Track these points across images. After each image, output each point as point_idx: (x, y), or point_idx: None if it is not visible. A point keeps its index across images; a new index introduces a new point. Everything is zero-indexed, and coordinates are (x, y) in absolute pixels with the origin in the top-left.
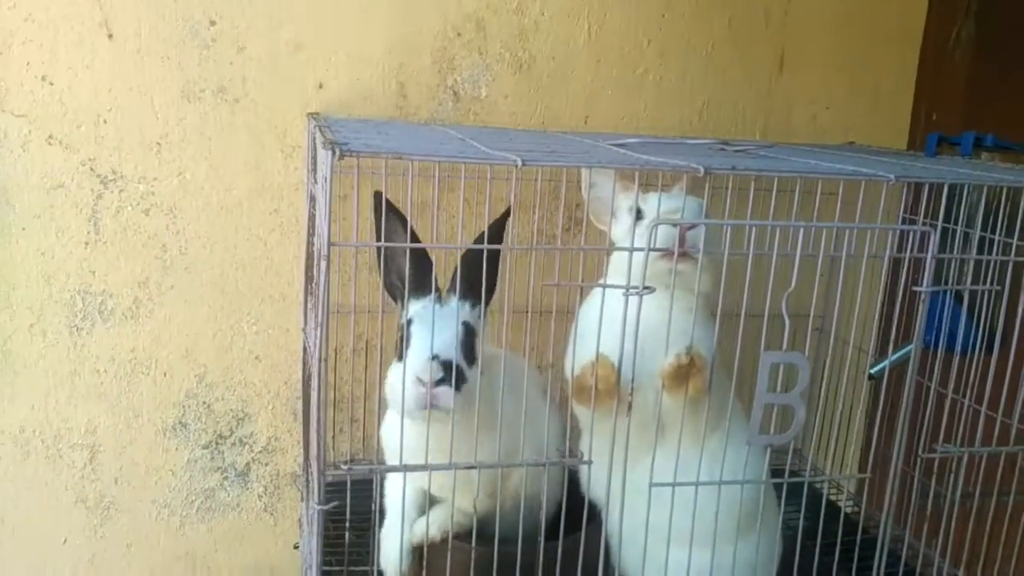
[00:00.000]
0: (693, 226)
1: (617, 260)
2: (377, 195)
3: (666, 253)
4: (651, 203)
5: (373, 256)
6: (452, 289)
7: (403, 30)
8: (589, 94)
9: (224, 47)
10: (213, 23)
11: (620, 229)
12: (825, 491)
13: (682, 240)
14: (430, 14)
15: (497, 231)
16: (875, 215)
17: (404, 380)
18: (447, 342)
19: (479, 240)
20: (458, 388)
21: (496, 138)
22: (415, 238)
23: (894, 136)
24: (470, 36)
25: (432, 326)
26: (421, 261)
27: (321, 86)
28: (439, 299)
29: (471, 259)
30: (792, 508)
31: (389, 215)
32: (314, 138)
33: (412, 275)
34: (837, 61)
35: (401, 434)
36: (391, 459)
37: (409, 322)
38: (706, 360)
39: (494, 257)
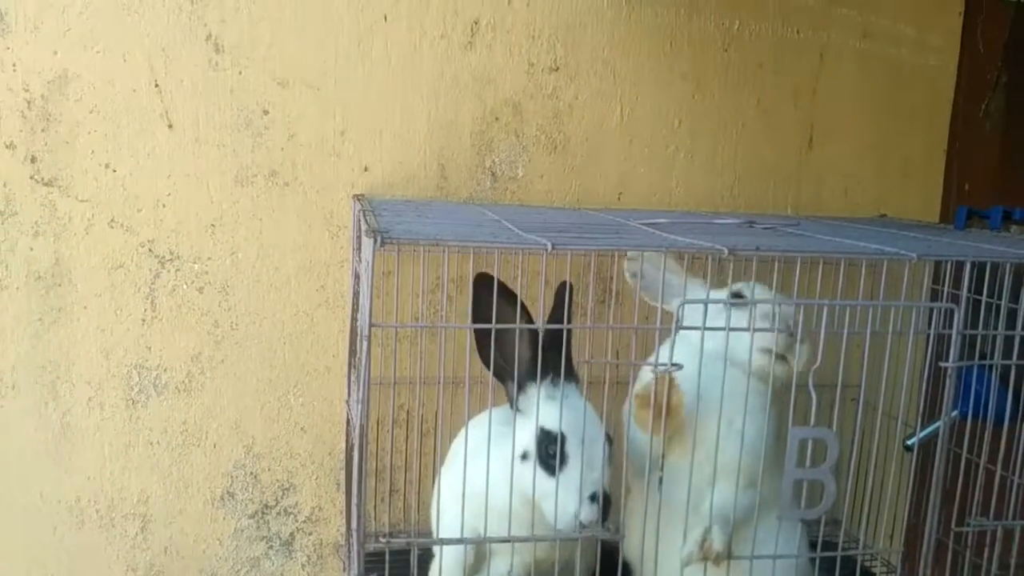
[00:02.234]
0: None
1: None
2: (483, 276)
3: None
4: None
5: (414, 329)
6: (565, 375)
7: (444, 115)
8: (622, 172)
9: (276, 135)
10: (266, 112)
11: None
12: (860, 559)
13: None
14: (470, 99)
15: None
16: (906, 289)
17: (560, 502)
18: (601, 473)
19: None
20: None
21: (531, 217)
22: (529, 319)
23: (926, 208)
24: (507, 119)
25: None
26: (533, 345)
27: (366, 169)
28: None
29: (555, 342)
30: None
31: (500, 298)
32: (359, 220)
33: (531, 359)
34: (867, 136)
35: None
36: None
37: (563, 439)
38: (721, 551)
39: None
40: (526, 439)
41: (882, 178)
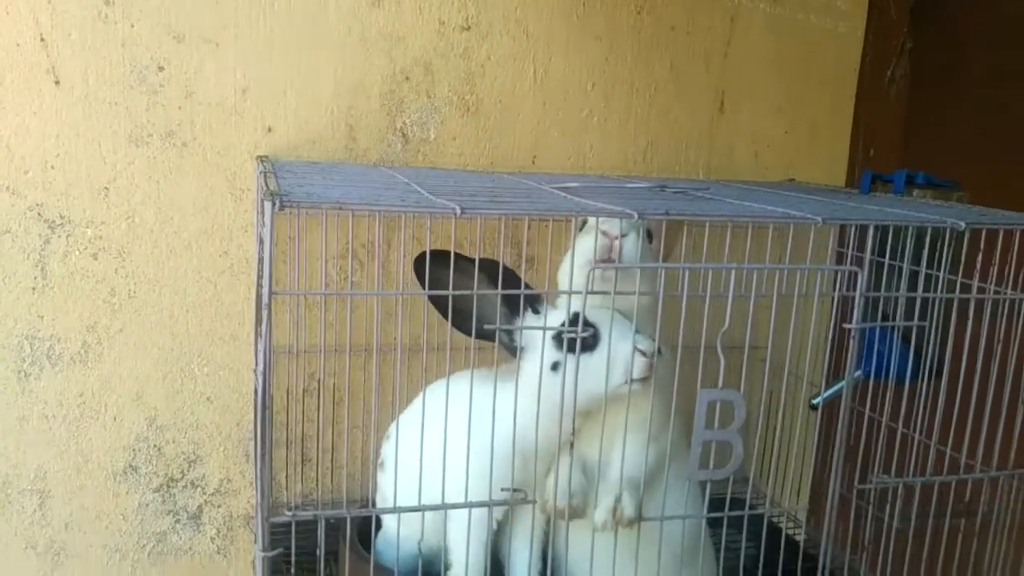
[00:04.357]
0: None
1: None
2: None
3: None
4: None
5: (324, 296)
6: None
7: (352, 74)
8: (536, 136)
9: (172, 92)
10: (161, 68)
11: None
12: (766, 516)
13: (610, 248)
14: (378, 58)
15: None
16: (812, 252)
17: (613, 360)
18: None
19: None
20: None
21: (442, 180)
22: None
23: (833, 172)
24: (418, 80)
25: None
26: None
27: (270, 129)
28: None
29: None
30: (734, 532)
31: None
32: (261, 182)
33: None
34: (776, 101)
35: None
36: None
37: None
38: (632, 516)
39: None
40: (549, 350)
41: (791, 142)
